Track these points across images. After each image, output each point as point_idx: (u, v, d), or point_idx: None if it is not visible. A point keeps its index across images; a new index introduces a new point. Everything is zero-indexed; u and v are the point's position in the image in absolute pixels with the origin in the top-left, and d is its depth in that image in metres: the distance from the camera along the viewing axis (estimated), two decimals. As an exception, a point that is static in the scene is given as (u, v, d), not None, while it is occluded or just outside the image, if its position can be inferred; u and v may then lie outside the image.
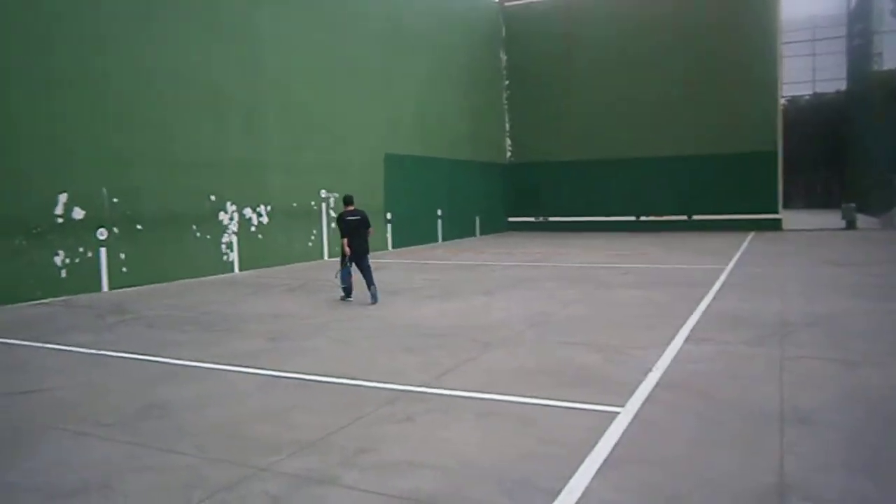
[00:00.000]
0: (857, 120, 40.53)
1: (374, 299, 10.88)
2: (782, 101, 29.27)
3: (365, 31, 21.08)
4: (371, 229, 11.56)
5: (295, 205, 18.11)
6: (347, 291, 11.32)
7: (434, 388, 6.00)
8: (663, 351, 7.13)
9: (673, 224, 27.89)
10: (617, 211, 29.01)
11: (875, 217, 31.23)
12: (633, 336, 7.99)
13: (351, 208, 11.39)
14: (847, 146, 43.53)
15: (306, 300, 11.63)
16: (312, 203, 18.78)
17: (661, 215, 28.36)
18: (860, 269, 14.16)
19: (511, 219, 31.15)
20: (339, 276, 11.35)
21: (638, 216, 28.82)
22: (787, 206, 30.28)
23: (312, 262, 18.30)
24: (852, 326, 8.30)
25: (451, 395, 5.79)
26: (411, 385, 6.07)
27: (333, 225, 19.16)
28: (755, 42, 26.89)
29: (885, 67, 35.76)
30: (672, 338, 7.76)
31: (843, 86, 47.48)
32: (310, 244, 18.71)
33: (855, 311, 9.29)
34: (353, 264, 11.22)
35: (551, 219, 30.47)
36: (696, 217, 27.82)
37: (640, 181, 28.51)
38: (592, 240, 24.19)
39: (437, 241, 25.00)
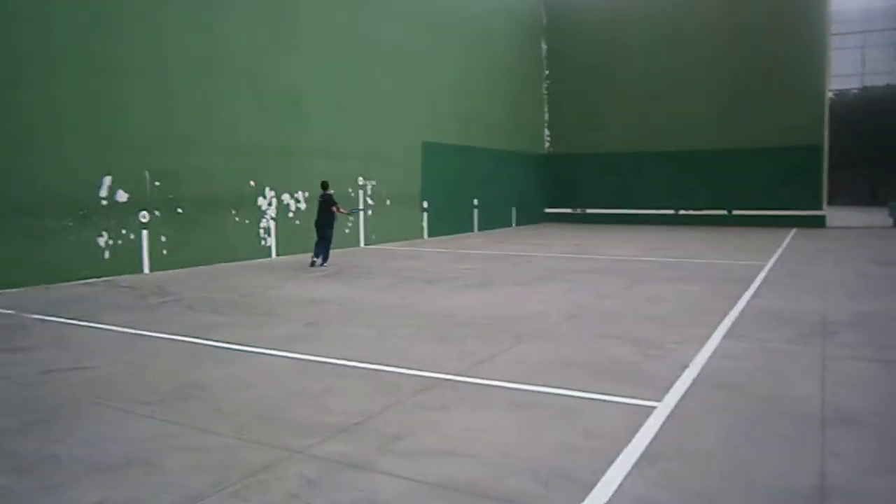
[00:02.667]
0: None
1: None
2: (829, 94, 28.56)
3: (406, 16, 21.09)
4: (335, 209, 14.76)
5: (333, 192, 18.20)
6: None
7: (469, 377, 6.01)
8: (701, 346, 7.03)
9: (712, 219, 27.47)
10: (655, 204, 28.66)
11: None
12: (671, 331, 7.90)
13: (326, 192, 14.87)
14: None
15: (343, 286, 11.72)
16: (350, 190, 18.89)
17: (701, 209, 27.94)
18: (907, 268, 13.80)
19: (548, 210, 30.99)
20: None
21: (677, 210, 28.45)
22: (831, 202, 29.65)
23: (349, 249, 18.43)
24: (898, 327, 8.10)
25: (486, 385, 5.79)
26: (447, 373, 6.09)
27: (370, 212, 19.41)
28: (803, 34, 26.25)
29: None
30: (710, 334, 7.65)
31: (893, 79, 46.13)
32: (346, 230, 18.83)
33: (901, 311, 9.07)
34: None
35: (589, 211, 30.23)
36: (736, 212, 27.36)
37: (679, 174, 28.12)
38: (630, 233, 23.94)
39: (472, 230, 24.99)
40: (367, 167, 19.39)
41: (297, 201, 17.07)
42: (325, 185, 14.89)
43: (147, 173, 13.51)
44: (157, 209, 13.68)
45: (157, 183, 13.68)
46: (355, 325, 8.40)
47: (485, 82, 25.72)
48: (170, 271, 13.61)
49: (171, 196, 13.95)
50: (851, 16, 46.36)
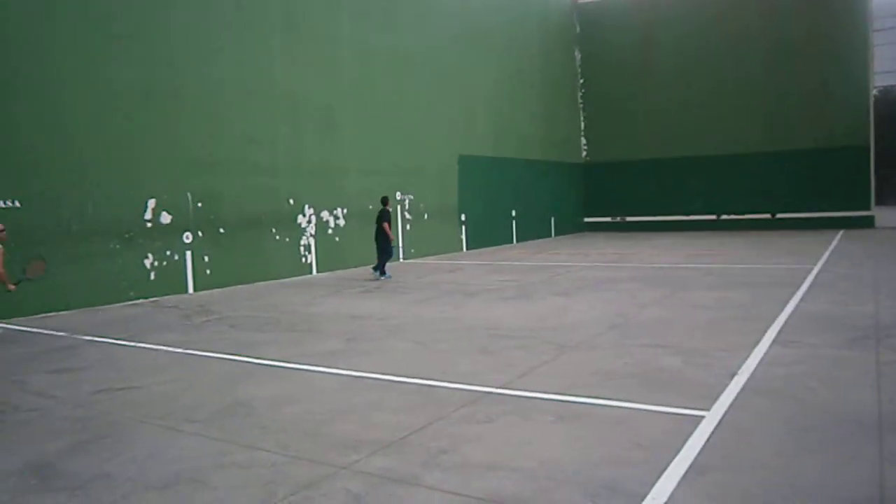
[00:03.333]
0: (956, 111, 38.21)
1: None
2: (874, 91, 27.88)
3: (439, 30, 21.24)
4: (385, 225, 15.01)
5: (371, 207, 18.31)
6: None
7: (513, 389, 5.96)
8: (749, 354, 6.88)
9: (755, 223, 26.97)
10: (696, 210, 28.26)
11: (978, 213, 29.36)
12: (717, 338, 7.74)
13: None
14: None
15: (383, 301, 11.77)
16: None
17: (743, 214, 27.45)
18: (963, 268, 13.34)
19: (587, 219, 30.77)
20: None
21: (718, 215, 28.00)
22: (880, 202, 28.86)
23: (389, 265, 18.47)
24: (956, 329, 7.82)
25: (530, 397, 5.74)
26: (490, 386, 6.05)
27: (409, 227, 19.48)
28: (844, 30, 25.73)
29: None
30: (758, 340, 7.48)
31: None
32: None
33: (958, 313, 8.76)
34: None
35: (629, 219, 29.93)
36: (780, 215, 26.82)
37: (720, 179, 27.70)
38: (671, 239, 23.62)
39: (511, 241, 24.92)
40: (404, 182, 19.51)
41: (336, 218, 17.23)
42: (384, 201, 15.31)
43: (189, 195, 13.78)
44: (199, 230, 13.94)
45: (199, 204, 13.94)
46: (396, 339, 8.42)
47: (519, 93, 25.72)
48: (213, 291, 13.84)
49: (212, 217, 14.20)
50: (894, 9, 45.26)
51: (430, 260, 19.47)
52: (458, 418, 5.25)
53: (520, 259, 18.95)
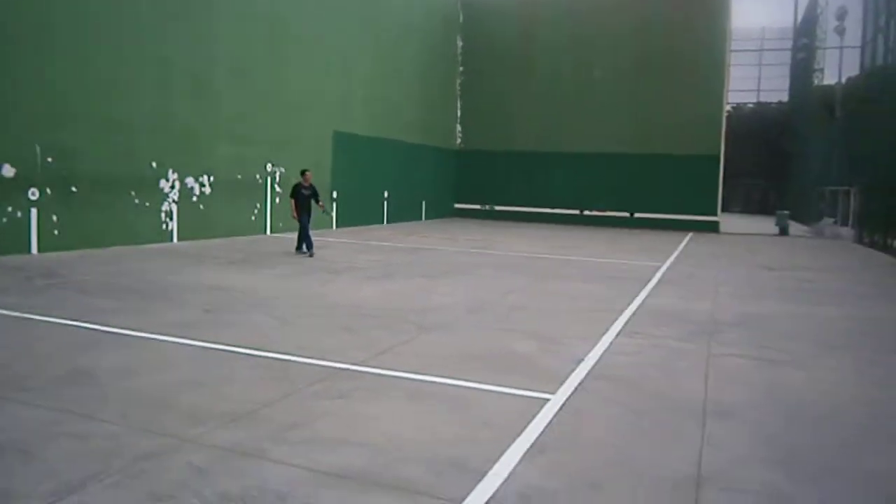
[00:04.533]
0: (796, 132, 41.91)
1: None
2: (727, 107, 30.03)
3: (324, 6, 20.77)
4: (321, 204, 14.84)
5: (239, 177, 17.80)
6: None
7: (369, 367, 6.00)
8: (597, 342, 7.28)
9: (615, 220, 28.41)
10: (562, 204, 29.39)
11: (806, 226, 32.43)
12: (569, 327, 8.14)
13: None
14: (785, 156, 44.96)
15: (247, 274, 11.46)
16: (258, 176, 18.48)
17: (605, 211, 28.85)
18: (790, 273, 14.69)
19: (457, 205, 31.25)
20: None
21: (582, 210, 29.26)
22: (725, 209, 31.18)
23: (254, 237, 18.03)
24: (779, 327, 8.61)
25: (385, 375, 5.80)
26: (346, 363, 6.06)
27: (278, 200, 19.03)
28: (706, 47, 27.46)
29: (825, 82, 37.04)
30: (606, 330, 7.93)
31: (785, 97, 48.97)
32: (253, 218, 18.42)
33: (782, 313, 9.65)
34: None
35: (497, 208, 30.67)
36: (637, 214, 28.40)
37: (586, 176, 28.93)
38: (536, 230, 24.46)
39: (382, 222, 24.93)
40: (276, 154, 19.00)
41: (202, 185, 16.55)
42: (307, 174, 14.78)
43: (38, 148, 12.77)
44: (48, 187, 12.95)
45: (49, 159, 12.95)
46: (257, 313, 8.24)
47: (399, 76, 25.67)
48: (61, 253, 12.93)
49: (65, 174, 13.23)
50: (750, 33, 48.93)
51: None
52: (311, 393, 5.23)
53: (389, 240, 19.00)
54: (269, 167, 18.81)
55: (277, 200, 19.20)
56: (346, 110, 22.34)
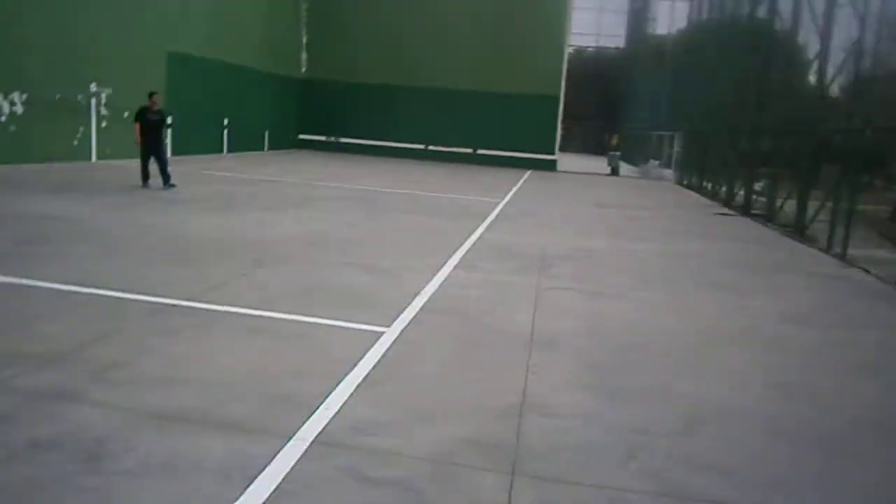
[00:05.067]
0: (630, 77, 44.18)
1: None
2: (569, 50, 31.03)
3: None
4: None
5: (59, 97, 16.21)
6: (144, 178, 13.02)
7: (202, 302, 5.82)
8: (433, 276, 7.47)
9: (459, 156, 28.90)
10: (407, 138, 29.43)
11: (635, 166, 34.63)
12: (407, 260, 8.27)
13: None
14: (621, 100, 47.38)
15: (72, 202, 10.60)
16: (80, 97, 16.93)
17: (449, 146, 29.22)
18: (615, 211, 15.72)
19: (302, 136, 30.44)
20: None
21: (427, 145, 29.46)
22: (563, 149, 32.53)
23: (79, 163, 16.64)
24: (604, 262, 9.24)
25: (218, 311, 5.64)
26: (178, 298, 5.83)
27: (104, 124, 17.59)
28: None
29: (658, 32, 39.14)
30: (443, 264, 8.14)
31: (622, 43, 51.26)
32: (76, 143, 16.95)
33: (608, 248, 10.34)
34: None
35: (343, 140, 30.20)
36: (480, 151, 29.02)
37: (431, 111, 29.05)
38: (381, 164, 24.41)
39: (222, 151, 23.82)
40: (102, 72, 17.43)
41: (13, 104, 14.92)
42: (155, 97, 13.15)
43: None
44: None
45: None
46: (83, 245, 7.69)
47: (241, -4, 24.25)
48: None
49: None
50: (593, -23, 50.40)
51: (127, 162, 17.80)
52: (138, 330, 5.01)
53: (229, 170, 18.24)
54: (93, 87, 17.26)
55: (104, 125, 17.74)
56: (183, 30, 20.83)
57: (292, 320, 5.55)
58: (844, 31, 12.60)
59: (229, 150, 24.18)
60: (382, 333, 5.33)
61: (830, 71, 13.27)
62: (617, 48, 52.42)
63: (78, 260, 7.03)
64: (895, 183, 16.45)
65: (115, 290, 5.96)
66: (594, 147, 51.33)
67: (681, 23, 33.73)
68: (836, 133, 12.80)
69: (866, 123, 11.43)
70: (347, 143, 29.99)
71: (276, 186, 15.28)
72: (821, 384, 5.10)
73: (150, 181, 13.04)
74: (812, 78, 14.07)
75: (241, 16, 24.18)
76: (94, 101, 17.33)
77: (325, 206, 12.66)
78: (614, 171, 29.68)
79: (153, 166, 13.01)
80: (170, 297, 5.85)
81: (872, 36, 11.49)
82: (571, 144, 49.55)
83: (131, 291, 5.95)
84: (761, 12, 18.20)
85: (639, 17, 42.95)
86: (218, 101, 23.25)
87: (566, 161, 31.41)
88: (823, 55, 13.42)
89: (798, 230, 13.28)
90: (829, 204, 11.98)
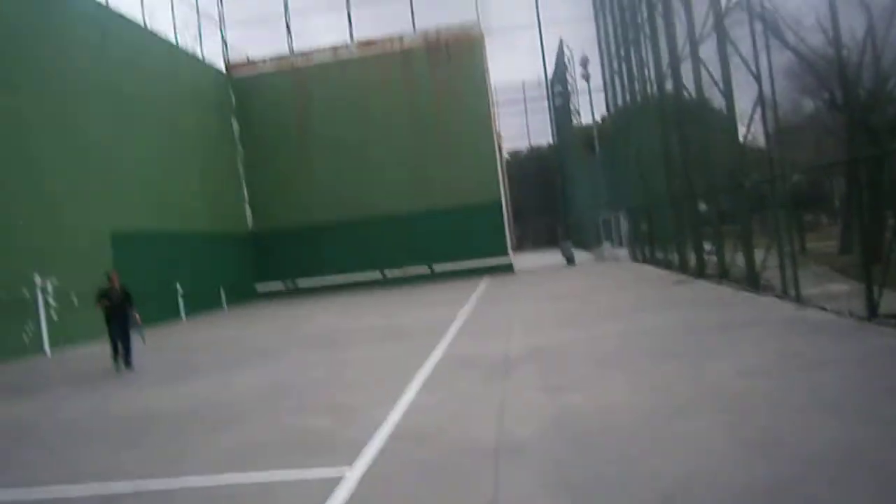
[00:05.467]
0: (564, 168, 45.76)
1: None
2: (506, 155, 32.20)
3: (88, 104, 19.75)
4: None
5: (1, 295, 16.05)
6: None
7: (162, 477, 5.59)
8: (395, 403, 7.33)
9: (417, 278, 29.11)
10: (362, 269, 29.68)
11: (589, 251, 35.28)
12: (369, 393, 8.14)
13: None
14: (561, 191, 48.86)
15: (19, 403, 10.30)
16: (25, 290, 16.78)
17: (405, 270, 29.48)
18: (575, 300, 15.84)
19: (260, 288, 30.49)
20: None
21: (383, 273, 29.68)
22: (519, 248, 33.14)
23: (32, 359, 16.21)
24: (564, 354, 9.20)
25: (173, 488, 5.43)
26: (126, 479, 5.60)
27: (55, 316, 17.33)
28: (472, 106, 29.42)
29: (584, 122, 41.00)
30: (405, 389, 8.01)
31: (552, 139, 53.48)
32: (26, 339, 16.63)
33: (568, 340, 10.31)
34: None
35: (300, 284, 30.30)
36: (437, 268, 29.32)
37: (381, 238, 29.51)
38: (339, 301, 24.45)
39: (179, 317, 23.60)
40: (44, 262, 17.38)
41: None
42: (113, 275, 12.75)
43: None
44: None
45: None
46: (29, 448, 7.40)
47: (178, 165, 24.87)
48: None
49: None
50: (515, 86, 53.04)
51: (91, 349, 17.40)
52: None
53: (184, 334, 18.03)
54: (37, 280, 17.16)
55: (55, 317, 17.50)
56: (125, 208, 21.16)
57: (249, 483, 5.34)
58: (747, 90, 13.34)
59: (187, 314, 23.98)
60: (345, 474, 5.16)
61: (741, 128, 13.95)
62: (549, 144, 54.60)
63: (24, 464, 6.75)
64: (839, 218, 17.03)
65: (63, 483, 5.71)
66: (546, 240, 52.38)
67: (601, 109, 35.45)
68: (763, 182, 13.29)
69: (792, 167, 11.93)
70: (306, 287, 30.10)
71: (233, 342, 15.14)
72: (783, 433, 5.05)
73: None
74: (727, 136, 14.73)
75: (179, 184, 24.69)
76: (40, 294, 17.16)
77: (286, 353, 12.53)
78: (570, 261, 30.13)
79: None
80: (117, 480, 5.62)
81: (773, 88, 12.13)
82: (524, 243, 50.52)
83: (79, 482, 5.70)
84: (668, 87, 19.23)
85: (561, 112, 45.00)
86: (168, 270, 23.25)
87: (522, 260, 31.88)
88: (730, 114, 14.13)
89: (751, 282, 13.51)
90: (774, 250, 12.27)
